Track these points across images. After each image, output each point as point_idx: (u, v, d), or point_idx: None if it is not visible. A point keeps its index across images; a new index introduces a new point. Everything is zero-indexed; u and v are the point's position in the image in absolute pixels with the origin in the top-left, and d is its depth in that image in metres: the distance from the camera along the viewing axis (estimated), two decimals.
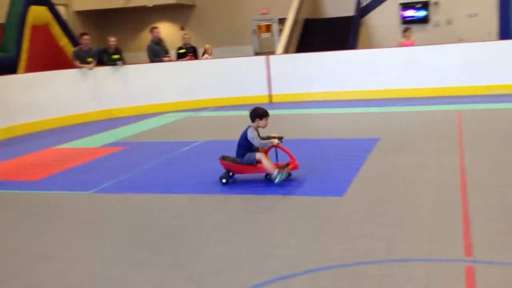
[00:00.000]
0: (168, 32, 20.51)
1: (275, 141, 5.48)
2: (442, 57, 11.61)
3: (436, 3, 17.38)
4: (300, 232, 4.13)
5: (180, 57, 12.82)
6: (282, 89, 12.38)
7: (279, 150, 5.62)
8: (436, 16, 17.48)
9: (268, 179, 5.58)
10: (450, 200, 4.65)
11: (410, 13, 17.61)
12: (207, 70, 12.56)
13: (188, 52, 12.77)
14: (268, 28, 21.54)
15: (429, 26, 17.48)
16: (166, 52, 12.64)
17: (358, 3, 17.88)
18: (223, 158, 5.73)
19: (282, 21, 19.00)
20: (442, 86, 11.46)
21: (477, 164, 5.77)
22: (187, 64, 12.62)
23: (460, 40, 15.18)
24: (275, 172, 5.38)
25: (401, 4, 17.56)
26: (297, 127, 9.30)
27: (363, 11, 17.96)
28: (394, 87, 11.78)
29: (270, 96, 12.47)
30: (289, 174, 5.54)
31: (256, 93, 12.41)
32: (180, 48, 12.95)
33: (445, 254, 3.56)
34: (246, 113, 5.62)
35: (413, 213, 4.41)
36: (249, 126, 5.57)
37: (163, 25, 21.05)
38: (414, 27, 15.20)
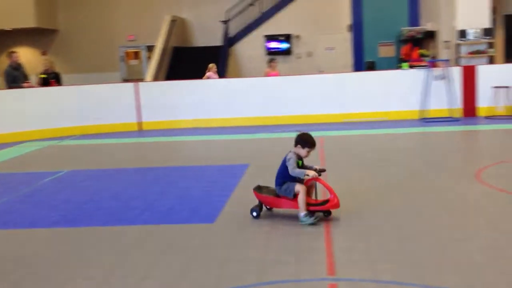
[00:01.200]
0: (28, 57, 19.36)
1: (311, 173, 4.76)
2: (304, 87, 12.31)
3: (297, 37, 18.45)
4: (168, 262, 4.06)
5: (42, 83, 12.16)
6: (152, 117, 12.24)
7: (319, 185, 4.95)
8: (298, 48, 18.55)
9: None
10: None
11: (274, 45, 18.46)
12: (71, 97, 12.02)
13: (50, 78, 12.16)
14: (136, 55, 21.26)
15: (292, 58, 18.46)
16: (25, 77, 11.91)
17: (226, 33, 18.40)
18: (259, 188, 5.10)
19: (150, 48, 18.87)
20: (305, 114, 12.11)
21: (339, 187, 6.13)
22: (49, 91, 11.98)
23: (320, 71, 16.23)
24: (303, 213, 4.79)
25: (266, 36, 18.38)
26: (167, 155, 9.24)
27: (231, 41, 18.51)
28: (260, 115, 12.21)
29: (140, 123, 12.24)
30: (329, 213, 4.93)
31: (124, 120, 12.13)
32: (41, 74, 12.30)
33: (311, 274, 3.73)
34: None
35: (281, 236, 4.56)
36: (290, 151, 4.97)
37: (23, 49, 19.82)
38: (279, 58, 15.95)
